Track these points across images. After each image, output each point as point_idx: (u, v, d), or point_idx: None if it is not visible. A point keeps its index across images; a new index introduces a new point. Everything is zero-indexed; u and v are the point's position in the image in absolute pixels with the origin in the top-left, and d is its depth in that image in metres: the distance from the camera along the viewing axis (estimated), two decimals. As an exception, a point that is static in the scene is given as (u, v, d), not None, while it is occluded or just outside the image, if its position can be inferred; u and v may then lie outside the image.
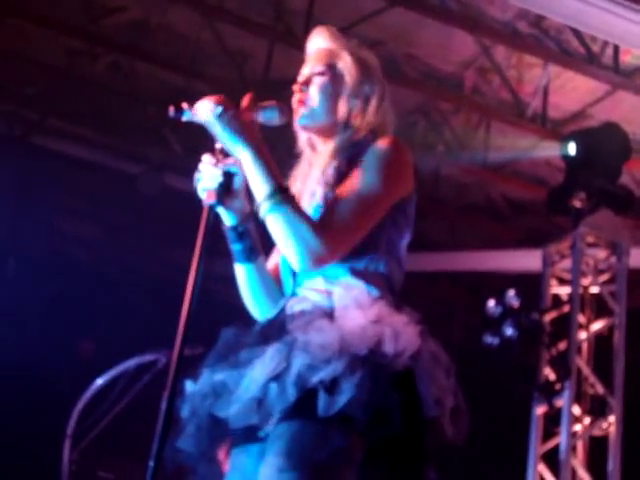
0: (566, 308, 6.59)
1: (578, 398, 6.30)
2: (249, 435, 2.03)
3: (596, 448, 6.30)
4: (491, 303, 6.40)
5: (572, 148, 6.37)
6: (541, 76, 6.56)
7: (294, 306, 2.18)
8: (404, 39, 6.43)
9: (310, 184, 2.31)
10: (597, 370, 6.44)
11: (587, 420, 6.31)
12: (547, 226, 7.37)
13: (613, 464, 6.17)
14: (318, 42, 2.39)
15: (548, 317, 6.60)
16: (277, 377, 1.97)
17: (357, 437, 1.97)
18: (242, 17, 6.26)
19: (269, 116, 2.22)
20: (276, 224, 2.09)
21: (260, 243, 2.26)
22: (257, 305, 2.33)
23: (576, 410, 6.28)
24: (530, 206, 7.65)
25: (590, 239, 6.63)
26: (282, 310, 2.20)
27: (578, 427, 6.28)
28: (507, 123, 6.86)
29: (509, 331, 6.28)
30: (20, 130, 7.39)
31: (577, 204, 6.51)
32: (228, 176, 2.17)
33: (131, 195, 7.48)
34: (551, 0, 5.56)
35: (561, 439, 6.17)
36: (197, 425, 2.05)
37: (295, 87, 2.35)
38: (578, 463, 6.25)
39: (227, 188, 2.16)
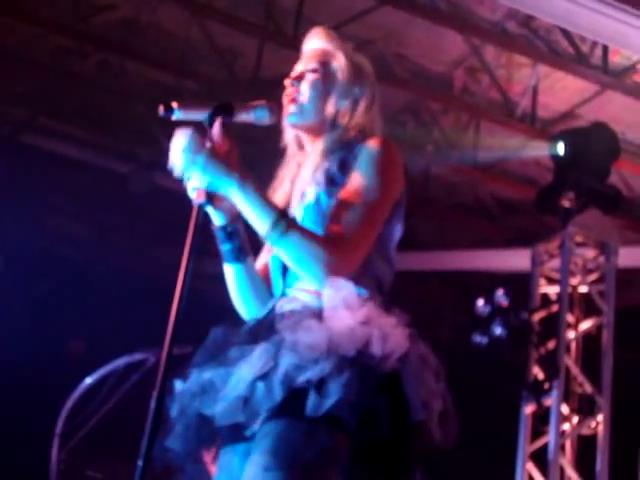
0: (555, 307, 6.61)
1: (566, 397, 6.32)
2: (236, 434, 2.03)
3: (584, 447, 6.33)
4: (480, 302, 6.41)
5: (561, 148, 6.39)
6: (530, 76, 6.58)
7: (284, 306, 2.17)
8: (393, 39, 6.44)
9: (300, 184, 2.31)
10: (585, 369, 6.46)
11: (575, 419, 6.33)
12: (536, 226, 7.38)
13: (601, 463, 6.20)
14: (315, 42, 2.41)
15: (537, 316, 6.62)
16: (264, 376, 1.96)
17: (344, 438, 1.96)
18: (232, 16, 6.26)
19: (259, 116, 2.22)
20: (288, 250, 2.10)
21: (249, 243, 2.26)
22: (245, 305, 2.33)
23: (564, 409, 6.30)
24: (519, 206, 7.67)
25: (579, 239, 6.65)
26: (271, 310, 2.20)
27: (566, 426, 6.30)
28: (496, 123, 6.87)
29: (498, 330, 6.29)
30: (9, 129, 7.37)
31: (566, 204, 6.53)
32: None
33: (121, 194, 7.47)
34: (540, 0, 5.58)
35: (550, 438, 6.19)
36: (185, 424, 2.05)
37: (287, 82, 2.36)
38: (566, 462, 6.27)
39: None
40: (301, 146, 2.41)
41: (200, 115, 2.15)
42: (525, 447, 6.38)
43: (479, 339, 6.34)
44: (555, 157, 6.49)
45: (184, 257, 2.05)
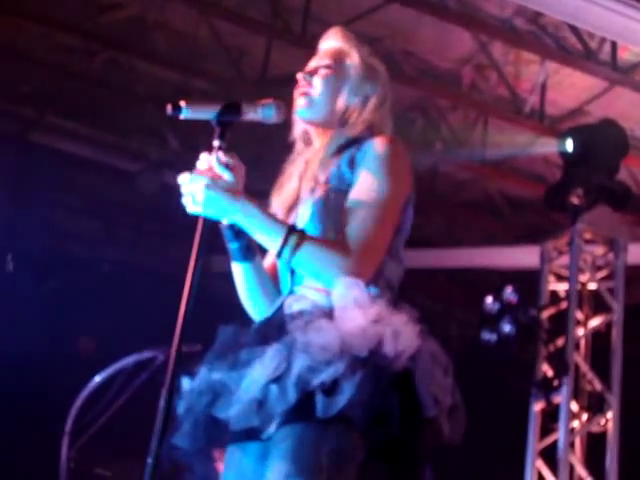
0: (564, 304, 6.59)
1: (576, 394, 6.31)
2: (248, 433, 2.02)
3: (594, 444, 6.31)
4: (489, 299, 6.40)
5: (570, 144, 6.37)
6: (539, 73, 6.56)
7: (292, 305, 2.17)
8: (401, 36, 6.43)
9: (308, 180, 2.31)
10: (595, 366, 6.45)
11: (585, 416, 6.31)
12: (545, 222, 7.37)
13: (611, 460, 6.18)
14: (331, 42, 2.43)
15: (546, 313, 6.61)
16: (278, 379, 1.96)
17: (359, 437, 1.96)
18: (240, 14, 6.26)
19: (266, 114, 2.22)
20: (305, 263, 2.11)
21: (257, 242, 2.27)
22: (254, 304, 2.33)
23: (574, 406, 6.28)
24: (528, 203, 7.66)
25: (588, 235, 6.63)
26: (280, 308, 2.20)
27: (576, 423, 6.29)
28: (505, 120, 6.86)
29: (507, 327, 6.28)
30: (18, 128, 7.38)
31: (575, 200, 6.51)
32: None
33: (129, 193, 7.48)
34: (548, -3, 5.57)
35: (559, 435, 6.18)
36: (193, 422, 2.04)
37: (299, 75, 2.37)
38: (576, 459, 6.26)
39: None
40: (308, 142, 2.41)
41: (208, 114, 2.15)
42: (534, 444, 6.37)
43: (488, 336, 6.33)
44: (564, 154, 6.48)
45: (192, 255, 2.06)
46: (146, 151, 7.36)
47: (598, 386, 6.35)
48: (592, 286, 6.67)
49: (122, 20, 6.51)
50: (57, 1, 6.29)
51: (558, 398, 6.24)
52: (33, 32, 6.53)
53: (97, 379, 5.13)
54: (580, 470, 6.25)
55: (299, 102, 2.34)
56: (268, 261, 2.35)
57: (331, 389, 1.92)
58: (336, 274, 2.08)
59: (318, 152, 2.34)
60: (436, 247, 7.93)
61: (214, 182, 2.10)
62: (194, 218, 2.11)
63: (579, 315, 6.53)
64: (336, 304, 2.05)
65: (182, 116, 2.14)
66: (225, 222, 2.20)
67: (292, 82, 2.40)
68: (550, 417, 6.32)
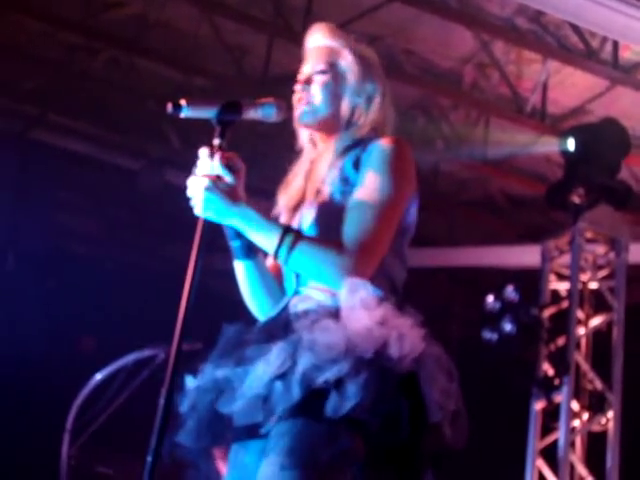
0: (565, 304, 6.59)
1: (577, 394, 6.31)
2: (250, 431, 2.02)
3: (595, 444, 6.31)
4: (490, 298, 6.40)
5: (571, 144, 6.37)
6: (540, 72, 6.56)
7: (297, 305, 2.18)
8: (403, 35, 6.42)
9: (314, 182, 2.31)
10: (596, 366, 6.45)
11: (586, 416, 6.31)
12: (546, 222, 7.37)
13: (612, 460, 6.18)
14: (317, 39, 2.39)
15: (547, 313, 6.60)
16: (282, 376, 1.96)
17: (360, 440, 1.96)
18: (241, 12, 6.25)
19: (267, 113, 2.22)
20: (301, 262, 2.11)
21: None
22: (256, 302, 2.33)
23: (575, 406, 6.28)
24: (529, 202, 7.65)
25: (589, 235, 6.63)
26: (285, 308, 2.20)
27: (577, 423, 6.29)
28: (506, 119, 6.85)
29: (508, 326, 6.28)
30: (19, 126, 7.38)
31: (576, 200, 6.51)
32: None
33: (131, 191, 7.48)
34: (550, -4, 5.56)
35: (560, 435, 6.18)
36: (197, 420, 2.05)
37: (297, 86, 2.34)
38: (577, 459, 6.26)
39: None
40: (315, 144, 2.40)
41: (208, 113, 2.15)
42: (535, 444, 6.37)
43: (489, 335, 6.33)
44: (565, 153, 6.47)
45: (192, 254, 2.06)
46: (147, 149, 7.36)
47: (599, 385, 6.35)
48: (593, 285, 6.67)
49: (124, 18, 6.51)
50: (59, -1, 6.30)
51: (559, 397, 6.24)
52: (35, 30, 6.53)
53: (98, 377, 5.14)
54: (581, 469, 6.25)
55: (301, 112, 2.32)
56: (270, 260, 2.35)
57: (336, 388, 1.93)
58: (332, 273, 2.08)
59: (324, 153, 2.34)
60: (437, 246, 7.93)
61: (214, 184, 2.10)
62: (195, 216, 2.12)
63: (580, 314, 6.53)
64: (343, 304, 2.05)
65: (183, 115, 2.14)
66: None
67: (293, 81, 2.39)
68: (551, 416, 6.33)
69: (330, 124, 2.33)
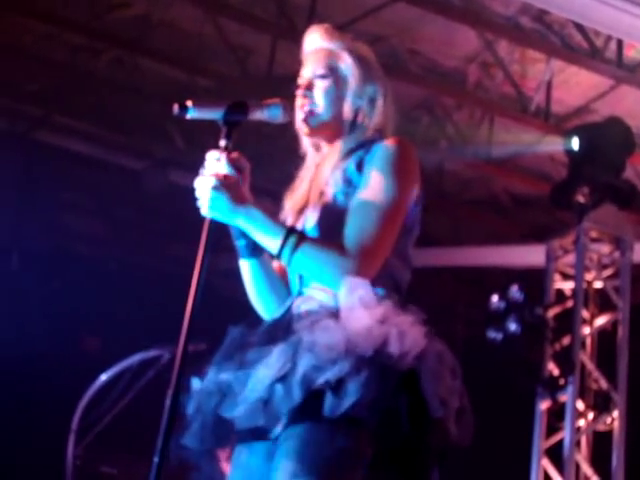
0: (570, 303, 6.58)
1: (582, 393, 6.30)
2: (253, 433, 2.02)
3: (600, 443, 6.30)
4: (494, 298, 6.39)
5: (575, 143, 6.36)
6: (544, 71, 6.55)
7: (300, 306, 2.18)
8: (407, 34, 6.42)
9: (318, 184, 2.31)
10: (601, 365, 6.44)
11: (591, 415, 6.31)
12: (551, 221, 7.36)
13: (617, 459, 6.17)
14: (315, 42, 2.37)
15: (552, 312, 6.60)
16: (283, 378, 1.96)
17: (366, 438, 1.96)
18: (245, 13, 6.25)
19: (273, 114, 2.22)
20: (304, 263, 2.11)
21: None
22: (262, 302, 2.34)
23: (580, 405, 6.28)
24: (533, 201, 7.65)
25: (594, 234, 6.63)
26: (288, 309, 2.21)
27: (582, 422, 6.28)
28: (510, 118, 6.85)
29: (513, 326, 6.27)
30: (23, 126, 7.39)
31: (581, 199, 6.50)
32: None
33: (135, 191, 7.49)
34: (554, -5, 5.56)
35: (565, 434, 6.17)
36: (202, 423, 2.05)
37: (298, 92, 2.33)
38: (582, 458, 6.25)
39: None
40: (318, 148, 2.40)
41: (214, 114, 2.15)
42: (540, 443, 6.36)
43: (494, 335, 6.33)
44: (569, 152, 6.47)
45: (199, 253, 2.06)
46: (151, 149, 7.37)
47: (604, 385, 6.35)
48: (598, 285, 6.66)
49: (128, 19, 6.51)
50: (64, 0, 6.30)
51: (564, 397, 6.23)
52: (39, 31, 6.54)
53: (103, 378, 5.15)
54: (586, 469, 6.24)
55: (304, 119, 2.31)
56: (277, 262, 2.35)
57: (337, 388, 1.92)
58: (335, 274, 2.08)
59: (328, 156, 2.33)
60: (441, 246, 7.93)
61: (220, 184, 2.10)
62: (200, 216, 2.12)
63: (585, 314, 6.52)
64: (342, 304, 2.05)
65: (189, 116, 2.14)
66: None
67: (297, 81, 2.39)
68: (556, 416, 6.32)
69: (333, 128, 2.32)
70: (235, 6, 6.24)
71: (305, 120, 2.31)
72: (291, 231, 2.12)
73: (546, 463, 6.36)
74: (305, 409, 1.94)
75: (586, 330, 6.50)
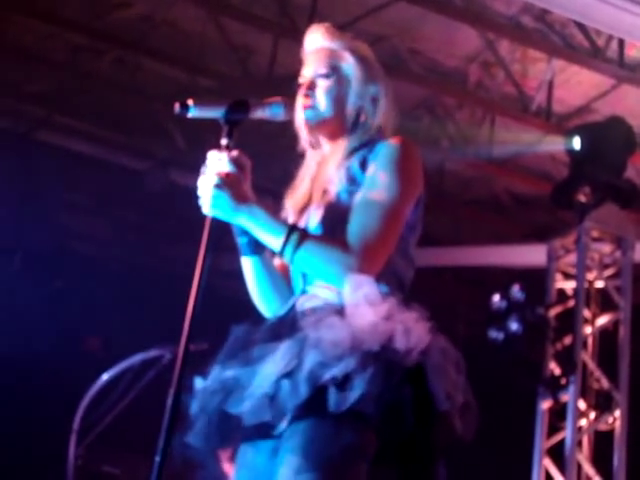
0: (571, 303, 6.58)
1: (583, 393, 6.30)
2: (259, 432, 2.03)
3: (601, 443, 6.30)
4: (496, 298, 6.39)
5: (577, 142, 6.36)
6: (545, 70, 6.55)
7: (304, 303, 2.18)
8: (408, 34, 6.42)
9: (321, 183, 2.31)
10: (602, 365, 6.44)
11: (592, 415, 6.31)
12: (552, 221, 7.36)
13: (619, 459, 6.17)
14: (316, 41, 2.37)
15: (553, 312, 6.60)
16: (289, 374, 1.97)
17: (370, 433, 1.97)
18: (246, 13, 6.26)
19: (275, 112, 2.23)
20: (307, 260, 2.11)
21: None
22: (264, 300, 2.34)
23: (581, 405, 6.28)
24: (535, 201, 7.64)
25: (595, 233, 6.62)
26: (292, 307, 2.21)
27: (583, 422, 6.28)
28: (511, 118, 6.85)
29: (514, 326, 6.27)
30: (25, 126, 7.40)
31: (582, 198, 6.50)
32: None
33: (136, 191, 7.49)
34: (555, -6, 5.56)
35: (566, 434, 6.17)
36: (206, 421, 2.05)
37: (300, 91, 2.34)
38: (583, 458, 6.25)
39: None
40: (317, 146, 2.40)
41: (216, 112, 2.15)
42: (542, 443, 6.36)
43: (495, 335, 6.33)
44: (571, 152, 6.47)
45: (200, 253, 2.06)
46: (153, 149, 7.37)
47: (606, 384, 6.35)
48: (599, 284, 6.66)
49: (129, 19, 6.51)
50: (65, 0, 6.30)
51: (565, 396, 6.23)
52: (40, 31, 6.54)
53: (104, 378, 5.14)
54: (588, 468, 6.24)
55: (306, 117, 2.31)
56: (278, 260, 2.35)
57: (343, 384, 1.93)
58: (338, 271, 2.09)
59: (331, 155, 2.34)
60: (442, 245, 7.93)
61: (222, 182, 2.10)
62: (202, 216, 2.12)
63: (586, 313, 6.52)
64: (347, 301, 2.06)
65: (190, 115, 2.14)
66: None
67: (298, 81, 2.39)
68: (557, 415, 6.32)
69: (335, 127, 2.33)
70: (236, 6, 6.24)
71: (307, 118, 2.31)
72: (293, 228, 2.13)
73: (548, 463, 6.36)
74: (310, 405, 1.95)
75: (587, 330, 6.50)
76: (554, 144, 6.73)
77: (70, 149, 7.43)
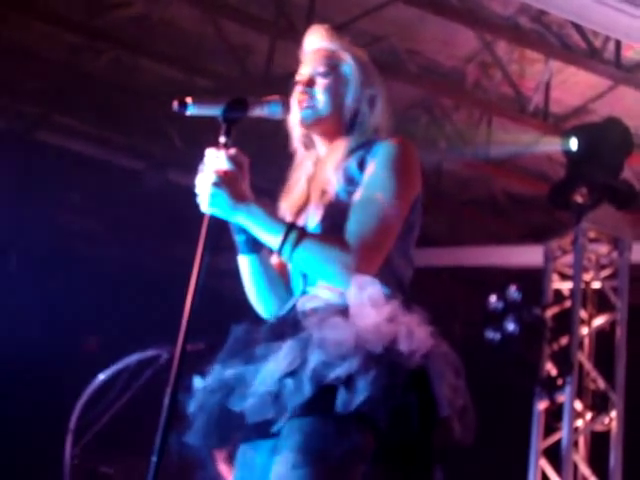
0: (568, 303, 6.59)
1: (580, 393, 6.31)
2: (260, 430, 2.03)
3: (598, 443, 6.31)
4: (493, 298, 6.40)
5: (574, 143, 6.37)
6: (543, 71, 6.56)
7: (306, 304, 2.18)
8: (405, 34, 6.43)
9: (318, 183, 2.31)
10: (599, 365, 6.45)
11: (589, 415, 6.31)
12: (549, 221, 7.37)
13: (615, 459, 6.18)
14: (316, 42, 2.38)
15: (550, 312, 6.60)
16: (293, 373, 1.97)
17: (371, 435, 1.98)
18: (244, 12, 6.26)
19: (273, 110, 2.23)
20: (304, 259, 2.11)
21: None
22: (261, 299, 2.34)
23: (578, 405, 6.28)
24: (532, 201, 7.65)
25: (592, 234, 6.63)
26: (293, 308, 2.21)
27: (580, 422, 6.29)
28: (509, 118, 6.86)
29: (511, 326, 6.28)
30: (22, 126, 7.39)
31: (579, 199, 6.51)
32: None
33: (134, 191, 7.49)
34: (553, -5, 5.56)
35: (563, 434, 6.18)
36: (205, 420, 2.05)
37: (298, 88, 2.34)
38: (580, 458, 6.26)
39: None
40: (309, 146, 2.40)
41: (214, 110, 2.15)
42: (538, 443, 6.37)
43: (492, 335, 6.33)
44: (568, 152, 6.47)
45: (198, 251, 2.06)
46: (150, 149, 7.37)
47: (602, 385, 6.35)
48: (596, 285, 6.67)
49: (127, 19, 6.51)
50: (63, 0, 6.30)
51: (562, 397, 6.24)
52: (38, 31, 6.54)
53: (101, 377, 5.14)
54: (584, 469, 6.25)
55: (303, 114, 2.31)
56: (275, 258, 2.35)
57: (346, 384, 1.94)
58: (335, 270, 2.09)
59: (328, 156, 2.34)
60: (440, 246, 7.93)
61: (220, 180, 2.10)
62: (199, 216, 2.12)
63: (583, 314, 6.53)
64: (351, 302, 2.06)
65: (189, 112, 2.14)
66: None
67: (294, 89, 2.38)
68: (554, 416, 6.32)
69: (332, 126, 2.33)
70: (234, 6, 6.24)
71: (304, 116, 2.31)
72: (292, 227, 2.13)
73: (544, 463, 6.37)
74: (313, 404, 1.95)
75: (584, 330, 6.51)
76: (551, 145, 6.73)
77: (68, 149, 7.42)
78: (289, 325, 2.10)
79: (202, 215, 2.11)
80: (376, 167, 2.20)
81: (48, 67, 6.95)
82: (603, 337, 6.55)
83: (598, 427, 6.34)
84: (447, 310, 8.53)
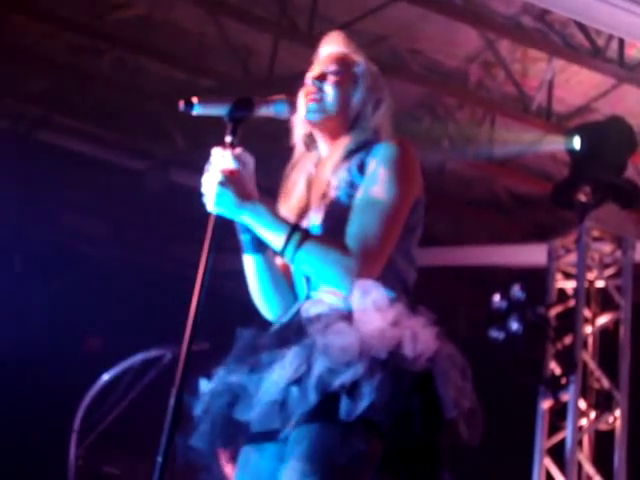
0: (572, 302, 6.58)
1: (584, 392, 6.30)
2: (267, 435, 2.02)
3: (602, 442, 6.30)
4: (496, 297, 6.39)
5: (577, 142, 6.36)
6: (546, 70, 6.55)
7: (310, 309, 2.16)
8: (408, 34, 6.42)
9: (318, 185, 2.31)
10: (603, 364, 6.44)
11: (593, 414, 6.30)
12: (552, 220, 7.36)
13: (619, 458, 6.17)
14: (333, 47, 2.41)
15: (553, 311, 6.60)
16: (298, 380, 1.97)
17: (377, 440, 1.97)
18: (246, 12, 6.26)
19: (279, 110, 2.22)
20: (307, 260, 2.11)
21: None
22: (265, 300, 2.33)
23: (582, 404, 6.27)
24: (535, 200, 7.64)
25: (595, 233, 6.62)
26: (297, 313, 2.20)
27: (584, 421, 6.28)
28: (512, 117, 6.85)
29: (514, 325, 6.27)
30: (25, 126, 7.39)
31: (582, 198, 6.50)
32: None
33: (136, 191, 7.49)
34: (556, -6, 5.56)
35: (567, 433, 6.17)
36: (210, 423, 2.05)
37: (308, 80, 2.34)
38: (584, 457, 6.25)
39: None
40: (310, 146, 2.40)
41: (220, 110, 2.15)
42: (542, 443, 6.36)
43: (496, 334, 6.32)
44: (571, 151, 6.47)
45: (204, 250, 2.06)
46: (153, 149, 7.37)
47: (606, 384, 6.34)
48: (600, 284, 6.66)
49: (129, 19, 6.51)
50: (65, 0, 6.30)
51: (566, 396, 6.23)
52: (41, 31, 6.54)
53: (105, 377, 5.14)
54: (588, 468, 6.24)
55: (309, 107, 2.31)
56: (280, 260, 2.34)
57: (352, 391, 1.93)
58: (337, 273, 2.08)
59: (328, 157, 2.33)
60: (443, 245, 7.92)
61: (226, 179, 2.10)
62: (201, 216, 2.12)
63: (587, 313, 6.52)
64: (355, 307, 2.05)
65: (194, 112, 2.14)
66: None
67: (299, 80, 2.38)
68: (558, 415, 6.32)
69: (335, 125, 2.33)
70: (236, 6, 6.24)
71: (310, 110, 2.30)
72: (296, 228, 2.13)
73: (548, 462, 6.36)
74: (319, 411, 1.94)
75: (588, 329, 6.50)
76: (554, 144, 6.73)
77: (70, 149, 7.42)
78: (293, 331, 2.09)
79: (204, 215, 2.11)
80: (376, 168, 2.20)
81: (50, 67, 6.95)
82: (607, 336, 6.54)
83: (602, 426, 6.33)
84: (450, 310, 8.53)
